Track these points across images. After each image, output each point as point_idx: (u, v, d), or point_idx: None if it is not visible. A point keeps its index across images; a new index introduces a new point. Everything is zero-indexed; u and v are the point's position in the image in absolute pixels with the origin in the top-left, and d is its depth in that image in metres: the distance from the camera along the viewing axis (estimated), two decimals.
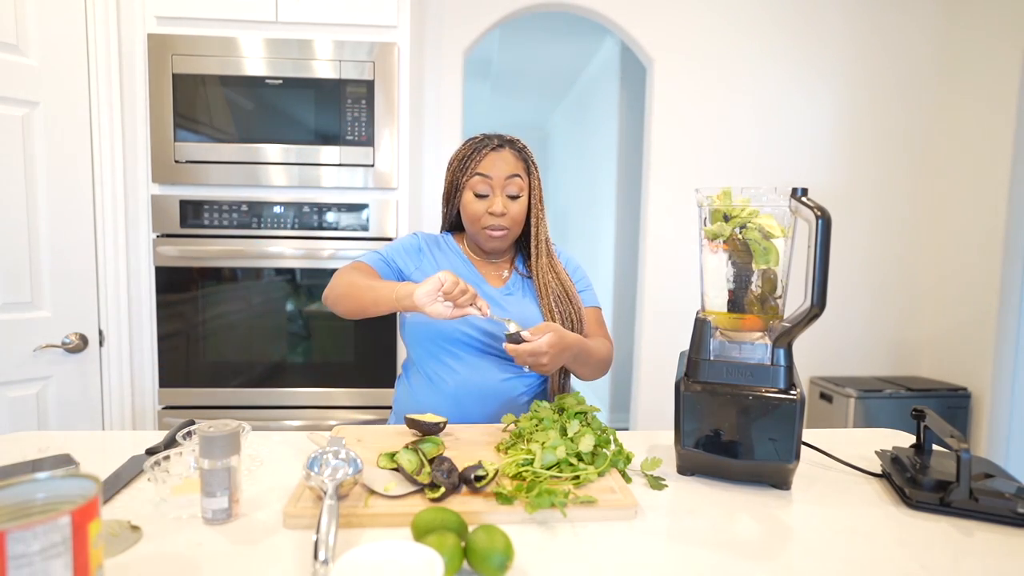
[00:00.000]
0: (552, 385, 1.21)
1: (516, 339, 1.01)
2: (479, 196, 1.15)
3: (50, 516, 0.44)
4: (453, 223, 1.28)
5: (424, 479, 0.78)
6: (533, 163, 1.20)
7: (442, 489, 0.75)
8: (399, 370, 1.86)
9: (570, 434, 0.89)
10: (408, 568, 0.55)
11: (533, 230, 1.22)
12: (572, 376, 1.23)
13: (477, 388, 1.15)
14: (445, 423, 0.99)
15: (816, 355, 2.76)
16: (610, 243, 3.89)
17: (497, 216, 1.15)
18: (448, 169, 1.21)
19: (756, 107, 2.65)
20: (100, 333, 1.67)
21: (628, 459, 0.88)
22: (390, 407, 1.86)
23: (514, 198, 1.16)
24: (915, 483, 0.81)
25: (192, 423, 0.95)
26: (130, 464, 0.89)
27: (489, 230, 1.16)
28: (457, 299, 0.97)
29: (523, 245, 1.28)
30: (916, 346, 2.79)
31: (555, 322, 1.16)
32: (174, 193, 1.76)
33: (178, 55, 1.71)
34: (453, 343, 1.16)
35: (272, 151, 1.76)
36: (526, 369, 1.03)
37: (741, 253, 0.86)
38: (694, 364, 0.88)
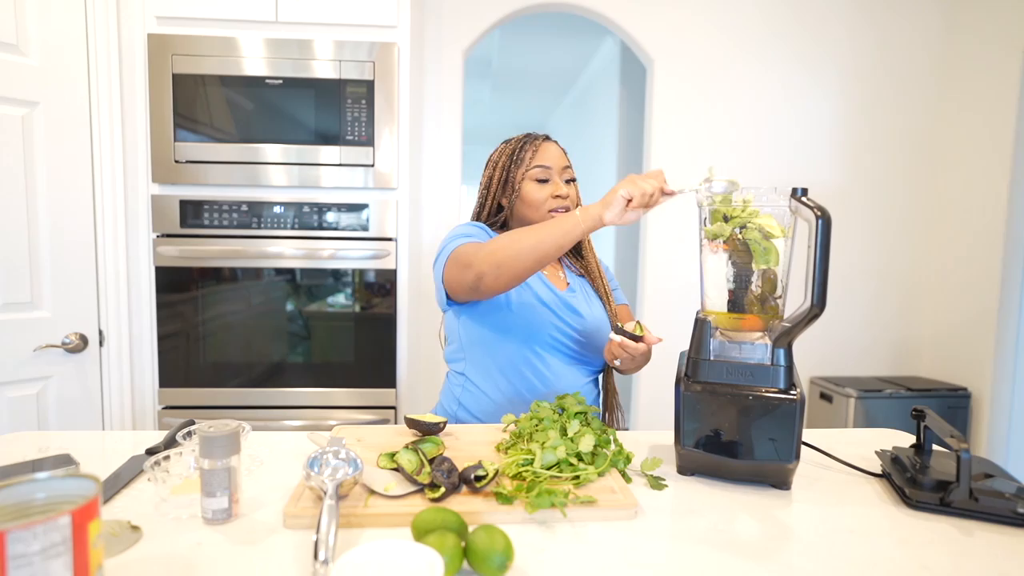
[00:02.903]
0: (610, 386, 1.28)
1: (625, 335, 0.99)
2: (540, 182, 1.20)
3: (50, 516, 0.44)
4: (495, 221, 1.28)
5: (424, 479, 0.78)
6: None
7: (442, 489, 0.75)
8: (399, 371, 1.87)
9: (570, 434, 0.88)
10: (408, 568, 0.55)
11: None
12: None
13: (558, 393, 1.15)
14: (445, 423, 0.99)
15: (816, 355, 2.76)
16: (610, 243, 3.88)
17: (562, 198, 1.20)
18: (495, 166, 1.24)
19: (756, 107, 2.65)
20: (100, 333, 1.67)
21: (628, 459, 0.88)
22: (390, 407, 1.87)
23: (569, 182, 1.23)
24: (915, 483, 0.81)
25: (192, 423, 0.95)
26: (130, 464, 0.89)
27: (553, 212, 1.20)
28: (649, 204, 0.95)
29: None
30: (916, 346, 2.79)
31: (612, 316, 1.23)
32: (174, 193, 1.76)
33: (178, 55, 1.71)
34: (544, 346, 1.16)
35: (272, 151, 1.76)
36: (617, 363, 1.05)
37: (741, 253, 0.86)
38: (694, 364, 0.88)
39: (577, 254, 1.33)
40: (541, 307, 1.16)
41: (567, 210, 1.20)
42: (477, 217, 1.29)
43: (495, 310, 1.16)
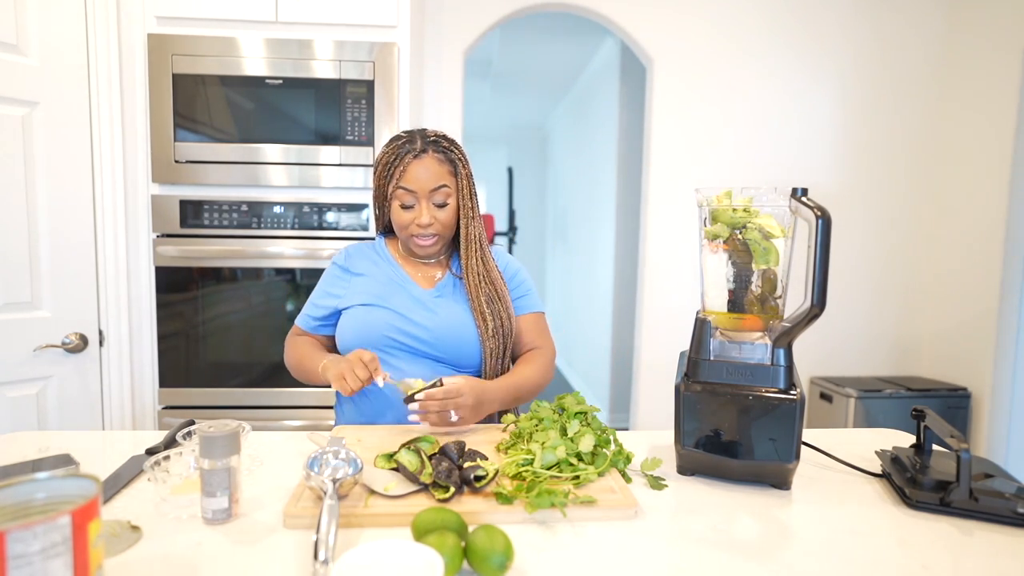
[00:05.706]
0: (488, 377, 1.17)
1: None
2: (405, 207, 1.14)
3: (50, 516, 0.44)
4: (387, 225, 1.24)
5: (426, 479, 0.78)
6: (461, 161, 1.16)
7: (452, 490, 0.75)
8: None
9: (570, 434, 0.88)
10: (408, 568, 0.55)
11: (463, 231, 1.17)
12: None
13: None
14: (441, 381, 0.99)
15: (816, 355, 2.76)
16: (610, 243, 3.88)
17: (424, 227, 1.13)
18: (374, 172, 1.17)
19: (756, 107, 2.65)
20: (100, 333, 1.67)
21: (628, 459, 0.88)
22: None
23: (441, 206, 1.14)
24: (915, 483, 0.81)
25: (192, 423, 0.95)
26: (130, 464, 0.89)
27: (418, 238, 1.15)
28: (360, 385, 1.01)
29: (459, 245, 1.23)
30: (916, 346, 2.79)
31: (487, 323, 1.14)
32: (174, 193, 1.76)
33: (178, 55, 1.71)
34: (383, 349, 1.14)
35: (272, 151, 1.76)
36: (452, 417, 1.00)
37: (741, 253, 0.86)
38: (694, 364, 0.88)
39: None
40: (381, 310, 1.15)
41: (434, 236, 1.14)
42: (378, 223, 1.24)
43: (339, 314, 1.22)
